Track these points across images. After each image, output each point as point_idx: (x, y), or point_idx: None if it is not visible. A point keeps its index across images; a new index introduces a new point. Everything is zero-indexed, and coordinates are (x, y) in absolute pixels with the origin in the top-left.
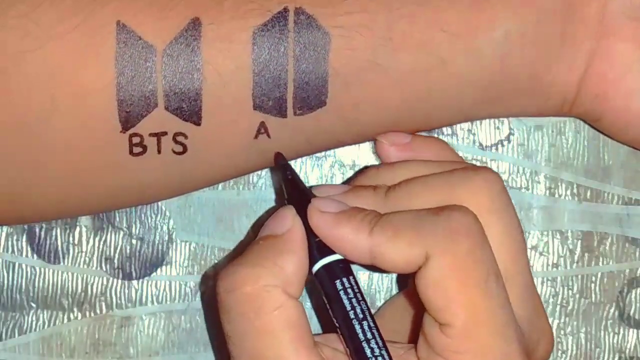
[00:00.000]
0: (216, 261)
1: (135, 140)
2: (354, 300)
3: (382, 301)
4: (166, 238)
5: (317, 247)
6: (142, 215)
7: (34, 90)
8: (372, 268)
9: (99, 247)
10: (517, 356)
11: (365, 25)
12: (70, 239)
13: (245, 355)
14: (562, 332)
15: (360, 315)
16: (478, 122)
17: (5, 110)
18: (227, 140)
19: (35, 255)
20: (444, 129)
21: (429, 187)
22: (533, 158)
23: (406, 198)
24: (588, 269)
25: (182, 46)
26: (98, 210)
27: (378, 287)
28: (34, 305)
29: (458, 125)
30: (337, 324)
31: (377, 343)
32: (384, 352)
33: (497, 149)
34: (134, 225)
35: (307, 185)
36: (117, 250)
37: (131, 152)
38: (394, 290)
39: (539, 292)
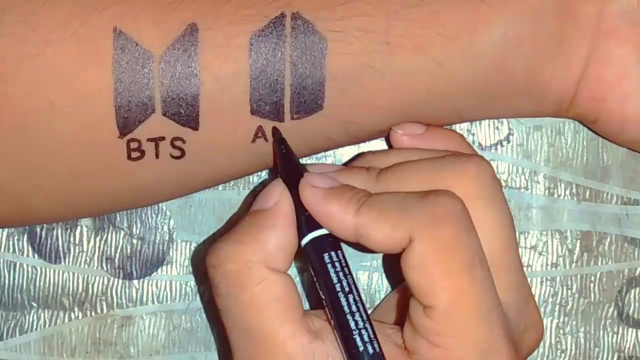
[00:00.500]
0: None
1: (133, 145)
2: (340, 273)
3: None
4: (167, 238)
5: (306, 221)
6: (143, 215)
7: (32, 96)
8: (361, 248)
9: (99, 247)
10: (500, 342)
11: (362, 30)
12: (71, 238)
13: (235, 327)
14: (561, 331)
15: (347, 289)
16: (477, 122)
17: (4, 115)
18: (225, 145)
19: (36, 255)
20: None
21: (420, 170)
22: (532, 158)
23: (397, 181)
24: (587, 269)
25: (179, 52)
26: (98, 213)
27: (378, 287)
28: (35, 304)
29: (457, 125)
30: (322, 297)
31: (361, 316)
32: (367, 325)
33: (496, 149)
34: (134, 225)
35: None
36: (118, 250)
37: (129, 157)
38: None
39: (538, 292)
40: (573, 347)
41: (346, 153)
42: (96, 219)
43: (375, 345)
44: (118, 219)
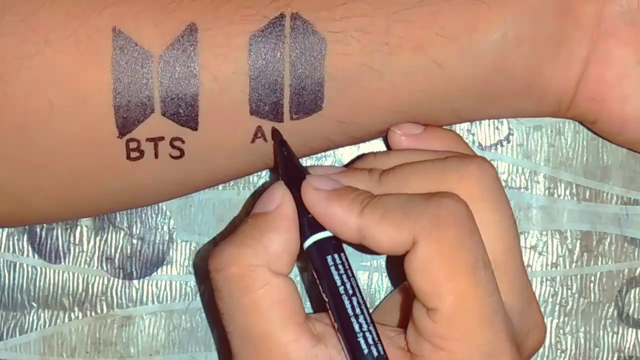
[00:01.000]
0: None
1: (133, 145)
2: (344, 276)
3: None
4: (167, 238)
5: (308, 223)
6: (143, 215)
7: (32, 96)
8: (364, 249)
9: (99, 247)
10: (504, 345)
11: (361, 30)
12: (71, 238)
13: (237, 332)
14: (561, 331)
15: (350, 291)
16: (477, 122)
17: (4, 115)
18: (225, 145)
19: (36, 255)
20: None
21: (423, 172)
22: (532, 158)
23: (399, 182)
24: (587, 269)
25: (178, 52)
26: (98, 213)
27: (378, 287)
28: (34, 304)
29: (457, 125)
30: (326, 300)
31: (365, 319)
32: (371, 327)
33: (496, 149)
34: (134, 225)
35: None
36: (118, 250)
37: (128, 157)
38: None
39: (538, 292)
40: (573, 347)
41: (346, 153)
42: (96, 219)
43: (380, 348)
44: (118, 219)
